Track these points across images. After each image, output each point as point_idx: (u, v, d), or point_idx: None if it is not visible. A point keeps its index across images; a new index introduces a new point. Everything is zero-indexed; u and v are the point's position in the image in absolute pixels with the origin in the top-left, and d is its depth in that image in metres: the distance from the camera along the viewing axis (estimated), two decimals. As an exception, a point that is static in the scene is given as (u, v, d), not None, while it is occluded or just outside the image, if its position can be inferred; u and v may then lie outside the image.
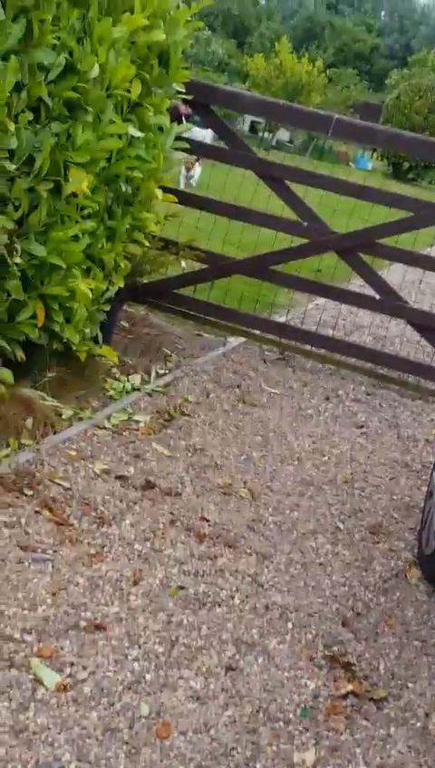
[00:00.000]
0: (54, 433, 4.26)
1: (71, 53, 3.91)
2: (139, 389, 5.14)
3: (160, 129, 5.04)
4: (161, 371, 5.56)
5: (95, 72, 4.06)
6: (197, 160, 6.54)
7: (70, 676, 2.66)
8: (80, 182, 4.08)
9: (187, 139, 5.49)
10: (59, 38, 3.82)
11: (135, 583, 3.24)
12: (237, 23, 62.95)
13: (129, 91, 4.47)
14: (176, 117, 5.61)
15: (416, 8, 77.45)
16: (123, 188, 4.72)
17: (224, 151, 6.36)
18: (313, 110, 6.28)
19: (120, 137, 4.43)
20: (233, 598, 3.33)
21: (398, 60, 60.65)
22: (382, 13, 77.30)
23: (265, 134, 29.46)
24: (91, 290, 4.56)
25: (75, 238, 4.33)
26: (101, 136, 4.33)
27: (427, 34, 69.56)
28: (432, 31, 70.14)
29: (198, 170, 6.74)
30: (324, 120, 5.81)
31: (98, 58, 4.10)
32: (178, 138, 5.26)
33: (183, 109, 6.05)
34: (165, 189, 5.33)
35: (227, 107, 6.55)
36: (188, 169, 6.66)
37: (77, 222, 4.31)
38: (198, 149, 6.21)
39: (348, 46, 61.70)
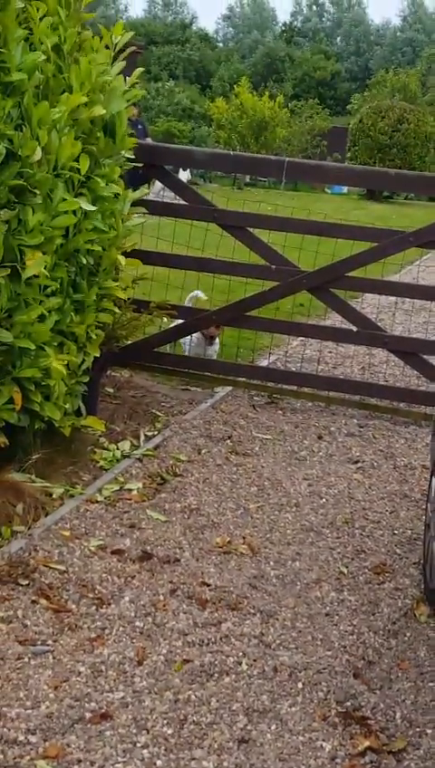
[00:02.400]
0: (46, 515, 4.24)
1: (11, 141, 3.94)
2: (129, 456, 5.12)
3: (117, 196, 5.07)
4: (150, 433, 5.54)
5: (38, 155, 4.09)
6: (218, 328, 6.63)
7: (78, 774, 2.61)
8: (39, 265, 4.10)
9: (147, 202, 5.53)
10: (-5, 129, 3.85)
11: (139, 663, 3.19)
12: (198, 68, 63.74)
13: (78, 168, 4.51)
14: (132, 181, 5.65)
15: (370, 30, 78.48)
16: (85, 261, 4.74)
17: (184, 207, 6.41)
18: (264, 157, 6.39)
19: (74, 213, 4.46)
20: (240, 664, 3.28)
21: (359, 81, 61.37)
22: (338, 38, 78.34)
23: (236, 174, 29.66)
24: (67, 365, 4.57)
25: (41, 318, 4.34)
26: (55, 214, 4.36)
27: (383, 55, 70.42)
28: (388, 51, 71.01)
29: (217, 342, 6.85)
30: (277, 164, 5.87)
31: (40, 141, 4.13)
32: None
33: None
34: (128, 254, 5.36)
35: (180, 165, 6.61)
36: (212, 337, 6.70)
37: (41, 302, 4.32)
38: (157, 210, 6.25)
39: (309, 75, 62.38)
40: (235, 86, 36.71)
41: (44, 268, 4.21)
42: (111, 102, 4.84)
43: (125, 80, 5.08)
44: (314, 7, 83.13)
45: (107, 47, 4.95)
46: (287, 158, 5.87)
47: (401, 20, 77.83)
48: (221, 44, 77.75)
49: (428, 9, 76.56)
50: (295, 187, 29.11)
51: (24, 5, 4.19)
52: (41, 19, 4.33)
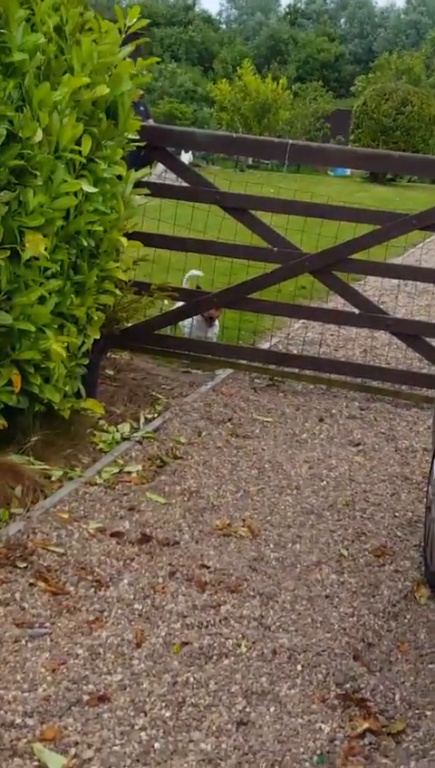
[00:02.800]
0: (45, 497, 4.22)
1: (11, 122, 3.91)
2: (128, 438, 5.10)
3: (119, 177, 5.04)
4: (150, 416, 5.52)
5: (39, 136, 4.06)
6: (218, 310, 6.62)
7: (75, 756, 2.59)
8: (37, 247, 4.06)
9: (149, 183, 5.50)
10: (-4, 110, 3.82)
11: (137, 646, 3.18)
12: (201, 50, 63.33)
13: (79, 150, 4.47)
14: (134, 162, 5.60)
15: (374, 12, 77.91)
16: (85, 243, 4.71)
17: (186, 190, 6.36)
18: (267, 139, 6.36)
19: (75, 194, 4.42)
20: (239, 646, 3.27)
21: (363, 64, 60.96)
22: (342, 20, 77.77)
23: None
24: (67, 347, 4.55)
25: (41, 300, 4.31)
26: (55, 196, 4.33)
27: (387, 37, 69.89)
28: (392, 33, 70.49)
29: (216, 324, 6.84)
30: (280, 147, 5.83)
31: (40, 123, 4.10)
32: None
33: None
34: (130, 236, 5.32)
35: (182, 147, 6.58)
36: (211, 319, 6.69)
37: (41, 284, 4.30)
38: (159, 191, 6.21)
39: (313, 57, 61.98)
40: (238, 68, 36.49)
41: (45, 250, 4.18)
42: (115, 84, 4.79)
43: (135, 63, 5.04)
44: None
45: (119, 30, 4.91)
46: (290, 141, 5.83)
47: (406, 2, 77.21)
48: (224, 26, 77.20)
49: (432, -9, 75.91)
50: (298, 169, 28.97)
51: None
52: None
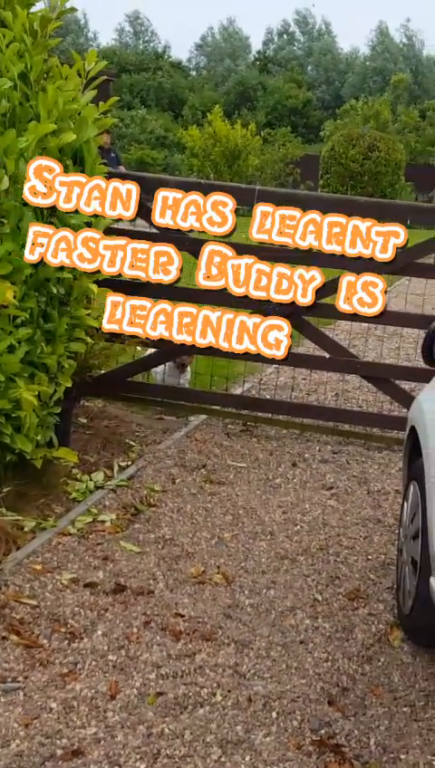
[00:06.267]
0: (17, 548, 4.20)
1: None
2: (102, 487, 5.09)
3: (88, 224, 5.08)
4: (124, 464, 5.53)
5: (5, 184, 4.12)
6: (190, 356, 6.70)
7: None
8: (5, 295, 4.09)
9: (119, 230, 5.54)
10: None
11: (112, 698, 3.17)
12: (171, 96, 64.11)
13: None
14: None
15: (339, 58, 79.35)
16: (55, 290, 4.74)
17: (155, 236, 6.40)
18: (235, 185, 6.41)
19: (43, 242, 4.47)
20: (214, 695, 3.26)
21: (330, 110, 61.94)
22: (309, 67, 79.10)
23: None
24: (38, 395, 4.55)
25: (11, 349, 4.33)
26: (23, 243, 4.36)
27: (354, 82, 71.18)
28: (358, 79, 71.77)
29: (188, 370, 6.92)
30: (248, 192, 5.91)
31: (7, 170, 4.15)
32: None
33: None
34: (101, 283, 5.34)
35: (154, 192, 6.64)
36: (183, 365, 6.77)
37: (10, 333, 4.32)
38: (130, 238, 6.24)
39: (281, 103, 62.93)
40: (208, 114, 36.92)
41: (14, 298, 4.21)
42: (80, 130, 4.86)
43: (97, 107, 5.10)
44: (285, 36, 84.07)
45: (79, 74, 4.98)
46: (259, 187, 5.93)
47: (370, 49, 78.73)
48: (194, 73, 78.30)
49: (394, 39, 77.55)
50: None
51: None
52: (6, 46, 4.36)
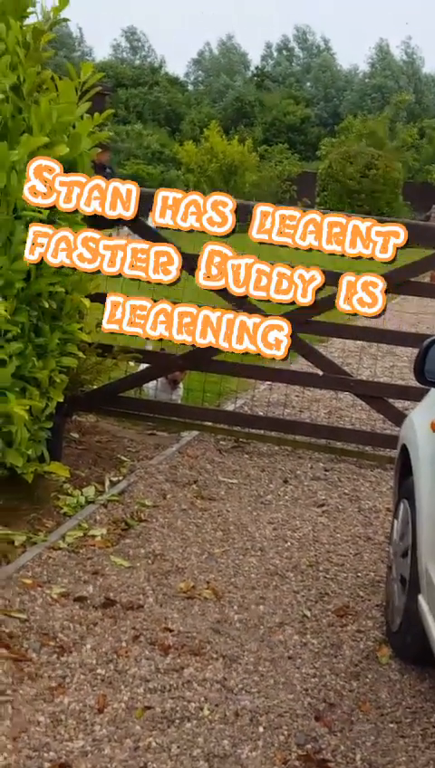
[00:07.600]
0: (8, 563, 4.22)
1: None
2: (93, 501, 5.11)
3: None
4: (115, 479, 5.54)
5: (-4, 197, 4.14)
6: (182, 372, 6.75)
7: None
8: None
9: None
10: None
11: (100, 711, 3.18)
12: (167, 111, 64.27)
13: (39, 210, 4.55)
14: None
15: (338, 75, 79.59)
16: (47, 305, 4.76)
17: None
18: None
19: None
20: (202, 709, 3.27)
21: (329, 127, 62.12)
22: (308, 83, 79.34)
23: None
24: (30, 410, 4.57)
25: (2, 363, 4.35)
26: (15, 257, 4.39)
27: (353, 100, 71.37)
28: (357, 96, 72.00)
29: (180, 386, 6.97)
30: (244, 209, 5.93)
31: (-2, 183, 4.17)
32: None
33: None
34: (93, 297, 5.35)
35: (147, 209, 6.67)
36: (175, 381, 6.82)
37: (1, 347, 4.34)
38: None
39: (279, 120, 63.08)
40: (204, 130, 37.09)
41: (5, 312, 4.23)
42: (74, 143, 4.89)
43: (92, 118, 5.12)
44: (284, 51, 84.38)
45: (75, 89, 5.00)
46: (256, 204, 5.93)
47: (370, 66, 79.04)
48: (191, 88, 78.46)
49: (394, 57, 77.89)
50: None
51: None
52: (-1, 58, 4.38)
